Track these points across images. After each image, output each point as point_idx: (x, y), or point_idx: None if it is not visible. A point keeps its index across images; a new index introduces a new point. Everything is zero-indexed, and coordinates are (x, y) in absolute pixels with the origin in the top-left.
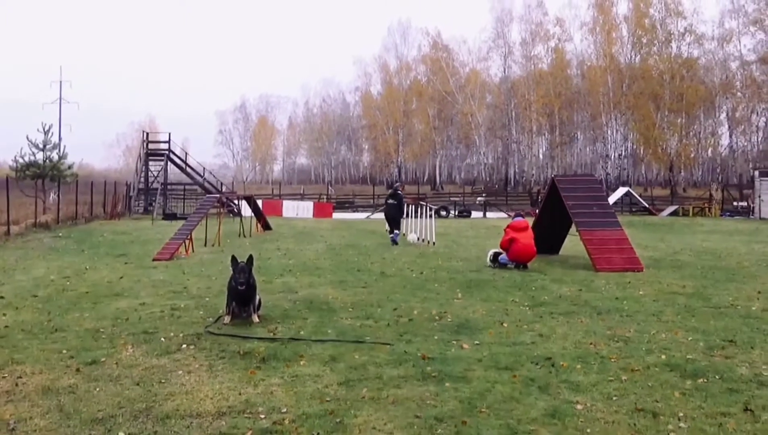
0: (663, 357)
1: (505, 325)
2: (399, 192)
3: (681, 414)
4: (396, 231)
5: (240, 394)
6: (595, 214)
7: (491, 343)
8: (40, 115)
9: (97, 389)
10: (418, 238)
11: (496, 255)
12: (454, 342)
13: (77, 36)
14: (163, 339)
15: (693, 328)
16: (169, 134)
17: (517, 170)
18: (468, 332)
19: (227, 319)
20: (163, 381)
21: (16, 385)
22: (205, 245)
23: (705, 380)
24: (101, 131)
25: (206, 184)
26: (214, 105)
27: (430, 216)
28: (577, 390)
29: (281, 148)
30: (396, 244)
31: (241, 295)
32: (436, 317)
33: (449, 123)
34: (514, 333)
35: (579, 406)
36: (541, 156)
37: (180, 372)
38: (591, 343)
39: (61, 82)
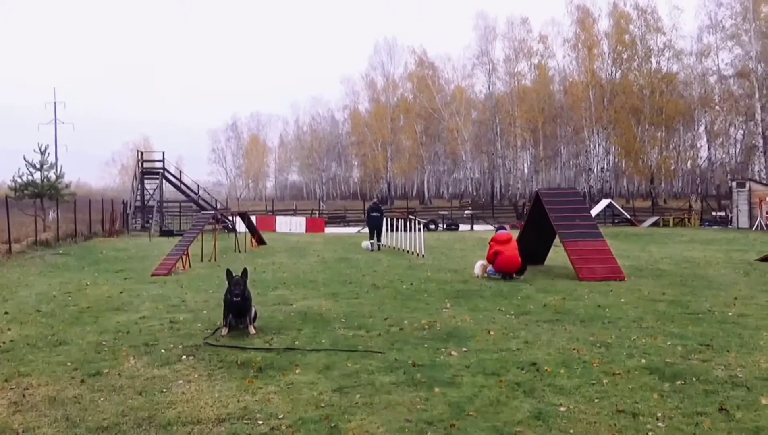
0: (643, 361)
1: (491, 332)
2: (381, 205)
3: (659, 414)
4: (378, 242)
5: (238, 401)
6: (578, 226)
7: (479, 350)
8: (35, 136)
9: (102, 399)
10: (372, 245)
11: (484, 266)
12: (443, 349)
13: (70, 57)
14: (163, 350)
15: (672, 333)
16: (163, 153)
17: (502, 184)
18: (456, 340)
19: (224, 330)
20: (164, 390)
21: (23, 396)
22: (202, 260)
23: (683, 382)
24: (97, 151)
25: (201, 202)
26: (206, 124)
27: (419, 229)
28: (561, 393)
29: (273, 166)
30: (375, 249)
31: (237, 307)
32: (426, 326)
33: (436, 139)
34: (500, 340)
35: (562, 408)
36: (525, 170)
37: (180, 381)
38: (574, 349)
39: (55, 102)
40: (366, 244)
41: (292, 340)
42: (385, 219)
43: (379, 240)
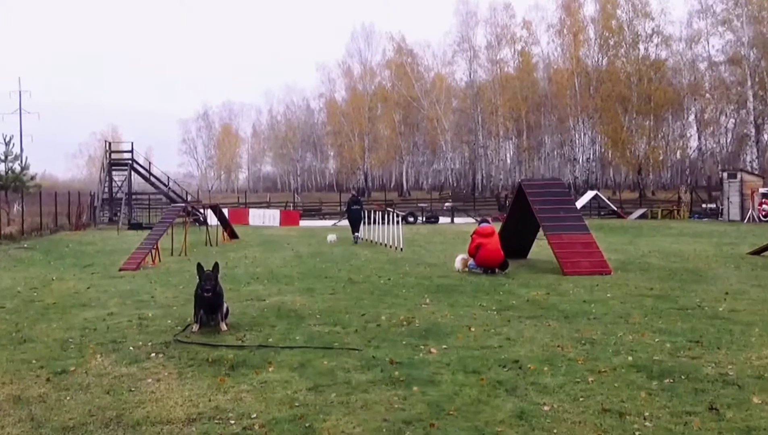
0: (630, 358)
1: (472, 329)
2: (360, 197)
3: (647, 413)
4: (357, 234)
5: (210, 400)
6: (563, 218)
7: (459, 347)
8: None
9: (68, 398)
10: (356, 238)
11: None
12: (422, 347)
13: (36, 46)
14: (131, 348)
15: (660, 329)
16: (132, 144)
17: (484, 175)
18: (436, 337)
19: (195, 327)
20: (132, 389)
21: None
22: (172, 255)
23: (671, 380)
24: (63, 141)
25: (171, 194)
26: (177, 113)
27: (398, 222)
28: (545, 392)
29: (246, 156)
30: (356, 242)
31: (208, 302)
32: (404, 323)
33: (415, 128)
34: (481, 337)
35: (546, 408)
36: (508, 161)
37: (149, 380)
38: (558, 346)
39: (20, 92)
40: (331, 237)
41: (266, 337)
42: (363, 211)
43: (358, 231)
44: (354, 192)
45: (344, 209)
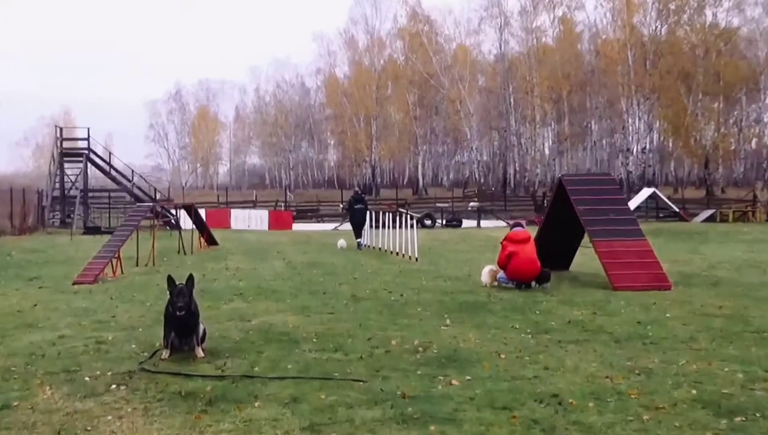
0: (693, 392)
1: (502, 356)
2: (364, 195)
3: None
4: (360, 240)
5: None
6: (613, 222)
7: (486, 378)
8: None
9: None
10: (359, 245)
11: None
12: (441, 377)
13: None
14: (87, 378)
15: (730, 356)
16: (88, 130)
17: (517, 169)
18: (458, 366)
19: (165, 353)
20: (89, 428)
21: None
22: (137, 265)
23: (743, 419)
24: (6, 128)
25: (136, 191)
26: (143, 93)
27: (412, 226)
28: (590, 432)
29: (227, 145)
30: (359, 248)
31: (181, 323)
32: (419, 348)
33: (433, 112)
34: (513, 366)
35: None
36: (546, 151)
37: (110, 417)
38: (606, 377)
39: None
40: (342, 242)
41: (251, 366)
42: (369, 212)
43: (360, 237)
44: (357, 188)
45: (345, 209)
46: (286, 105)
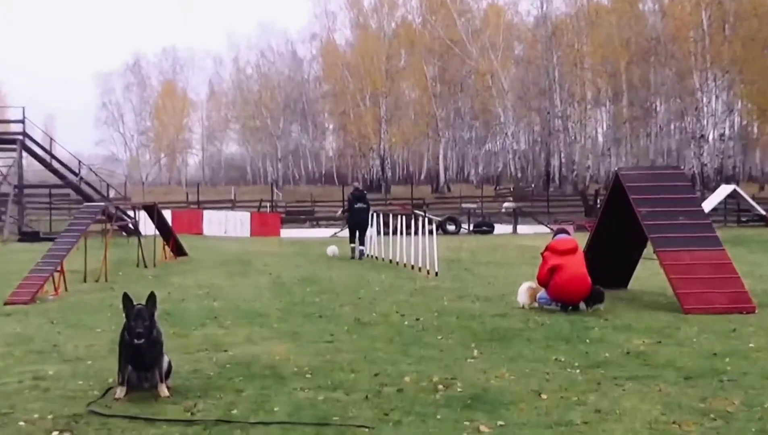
0: None
1: (543, 396)
2: (365, 192)
3: None
4: (362, 247)
5: None
6: (683, 227)
7: (523, 423)
8: None
9: None
10: (354, 251)
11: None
12: (467, 423)
13: None
14: (23, 423)
15: None
16: (23, 110)
17: (563, 161)
18: (488, 408)
19: (120, 391)
20: None
21: None
22: (85, 280)
23: None
24: None
25: (84, 187)
26: (93, 65)
27: (431, 232)
28: None
29: (199, 130)
30: (360, 258)
31: (141, 353)
32: (440, 386)
33: (458, 88)
34: (557, 408)
35: None
36: (600, 138)
37: None
38: (674, 422)
39: None
40: (332, 249)
41: (228, 408)
42: (373, 214)
43: (362, 244)
44: (357, 184)
45: (344, 211)
46: (272, 79)
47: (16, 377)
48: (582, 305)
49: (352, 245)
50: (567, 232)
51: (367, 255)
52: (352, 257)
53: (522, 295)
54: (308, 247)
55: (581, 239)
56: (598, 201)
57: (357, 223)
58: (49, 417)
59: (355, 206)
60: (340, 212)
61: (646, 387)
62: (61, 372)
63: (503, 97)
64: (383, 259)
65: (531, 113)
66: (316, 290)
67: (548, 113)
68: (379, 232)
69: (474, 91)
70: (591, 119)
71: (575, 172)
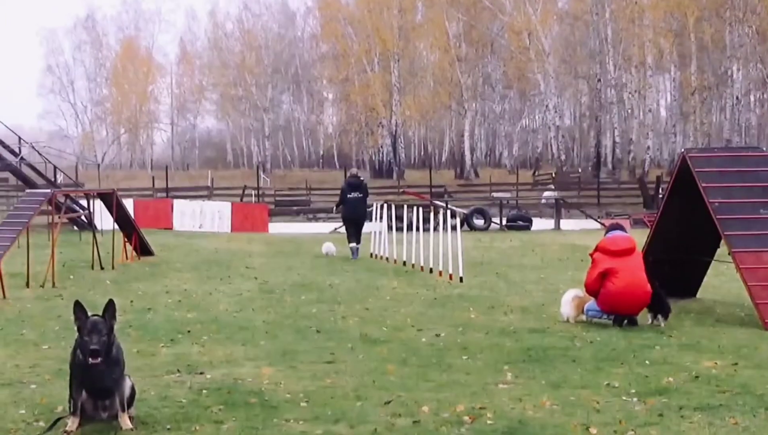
0: None
1: (593, 431)
2: (363, 179)
3: None
4: (356, 244)
5: None
6: (766, 223)
7: None
8: None
9: None
10: (353, 250)
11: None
12: None
13: None
14: None
15: None
16: None
17: (617, 140)
18: None
19: (72, 422)
20: None
21: None
22: (27, 286)
23: None
24: None
25: (25, 170)
26: (37, 19)
27: (454, 228)
28: None
29: (168, 101)
30: (353, 256)
31: (97, 376)
32: (465, 418)
33: (487, 50)
34: None
35: None
36: (662, 112)
37: None
38: None
39: None
40: (328, 247)
41: None
42: (383, 205)
43: (358, 242)
44: (355, 169)
45: (338, 203)
46: (258, 38)
47: None
48: (639, 319)
49: (351, 245)
50: (622, 229)
51: (375, 256)
52: (353, 256)
53: (566, 306)
54: (303, 245)
55: (639, 237)
56: (660, 190)
57: (351, 217)
58: None
59: (349, 196)
60: (334, 208)
61: (718, 419)
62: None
63: (543, 61)
64: (395, 261)
65: (578, 81)
66: (313, 299)
67: (599, 81)
68: (390, 228)
69: (507, 53)
70: (652, 89)
71: (632, 155)
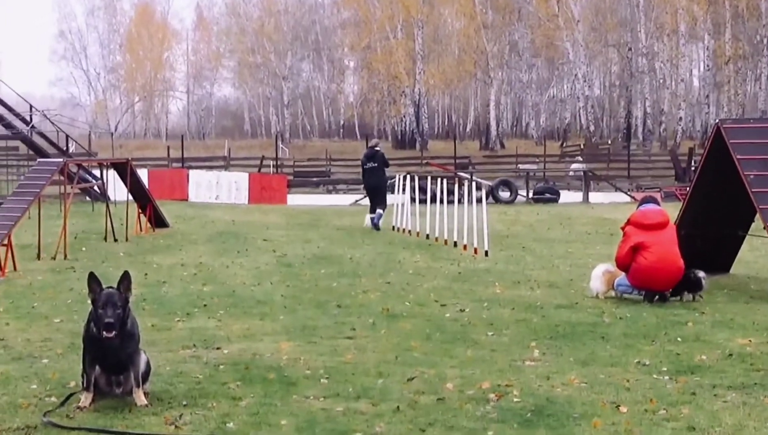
0: None
1: (623, 409)
2: (379, 149)
3: None
4: (379, 210)
5: None
6: None
7: None
8: None
9: None
10: (373, 220)
11: (607, 276)
12: None
13: None
14: None
15: None
16: None
17: (648, 111)
18: (552, 423)
19: (85, 398)
20: None
21: None
22: (38, 257)
23: None
24: None
25: (36, 139)
26: None
27: (479, 200)
28: None
29: (184, 68)
30: (377, 228)
31: (111, 350)
32: (491, 395)
33: (514, 17)
34: (640, 425)
35: None
36: (695, 82)
37: None
38: None
39: None
40: (370, 218)
41: (221, 421)
42: (405, 176)
43: (373, 212)
44: (376, 140)
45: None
46: (277, 3)
47: None
48: (671, 295)
49: (371, 216)
50: (656, 202)
51: (397, 228)
52: (373, 226)
53: (596, 281)
54: (322, 217)
55: (671, 211)
56: (693, 162)
57: (367, 187)
58: None
59: (365, 167)
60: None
61: (752, 398)
62: (10, 373)
63: (572, 29)
64: (418, 234)
65: (608, 50)
66: (333, 273)
67: (630, 49)
68: (412, 200)
69: (535, 20)
70: (684, 58)
71: (663, 126)
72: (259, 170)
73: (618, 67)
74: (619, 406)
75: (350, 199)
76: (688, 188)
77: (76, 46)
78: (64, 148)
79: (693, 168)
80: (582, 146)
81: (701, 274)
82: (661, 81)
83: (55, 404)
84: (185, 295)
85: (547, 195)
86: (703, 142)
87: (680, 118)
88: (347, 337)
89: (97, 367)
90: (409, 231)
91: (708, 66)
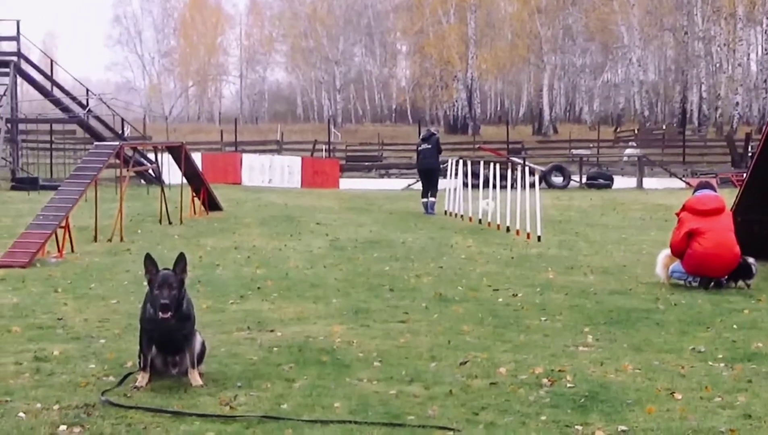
0: None
1: (677, 396)
2: (436, 133)
3: None
4: (432, 198)
5: None
6: None
7: (651, 429)
8: None
9: None
10: (428, 205)
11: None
12: (579, 427)
13: None
14: (22, 414)
15: None
16: (18, 24)
17: (704, 96)
18: (606, 409)
19: (142, 378)
20: None
21: None
22: (95, 240)
23: None
24: None
25: (93, 122)
26: None
27: (532, 185)
28: None
29: (236, 53)
30: (432, 213)
31: (167, 331)
32: (544, 380)
33: (568, 1)
34: (695, 411)
35: None
36: (753, 68)
37: None
38: None
39: None
40: (423, 203)
41: (276, 402)
42: (458, 161)
43: (433, 196)
44: (430, 128)
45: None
46: None
47: (13, 358)
48: (726, 281)
49: (423, 200)
50: (712, 188)
51: (449, 213)
52: (426, 212)
53: (661, 268)
54: (374, 201)
55: (727, 197)
56: (750, 148)
57: (420, 168)
58: (55, 407)
59: (420, 148)
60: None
61: None
62: (69, 352)
63: (627, 13)
64: (470, 219)
65: (663, 33)
66: (386, 256)
67: (686, 33)
68: (465, 185)
69: (590, 3)
70: (742, 42)
71: (719, 111)
72: (311, 154)
73: (673, 51)
74: (674, 392)
75: (402, 184)
76: (744, 174)
77: (131, 31)
78: (120, 132)
79: (750, 153)
80: (636, 131)
81: (751, 260)
82: (718, 65)
83: (112, 383)
84: (239, 278)
85: (600, 180)
86: (760, 128)
87: (737, 103)
88: (400, 320)
89: (154, 348)
90: (461, 216)
91: (766, 50)
